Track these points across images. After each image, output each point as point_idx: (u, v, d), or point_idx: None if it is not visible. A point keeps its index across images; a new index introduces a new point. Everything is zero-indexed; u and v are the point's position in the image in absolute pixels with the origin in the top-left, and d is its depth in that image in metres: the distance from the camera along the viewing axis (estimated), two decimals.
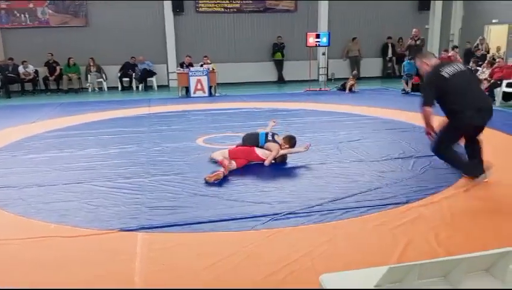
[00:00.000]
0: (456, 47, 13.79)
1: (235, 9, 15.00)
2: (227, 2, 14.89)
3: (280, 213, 3.79)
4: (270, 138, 5.41)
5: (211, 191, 4.41)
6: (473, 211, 3.82)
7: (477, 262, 1.51)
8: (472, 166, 4.40)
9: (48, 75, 13.71)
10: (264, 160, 5.24)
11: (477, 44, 13.69)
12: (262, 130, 5.62)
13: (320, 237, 3.37)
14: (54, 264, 3.00)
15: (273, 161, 5.30)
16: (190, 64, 12.82)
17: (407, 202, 4.01)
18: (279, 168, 5.23)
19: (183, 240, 3.36)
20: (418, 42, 12.06)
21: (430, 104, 4.22)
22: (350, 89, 12.62)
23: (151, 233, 3.46)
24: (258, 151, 5.28)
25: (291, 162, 5.40)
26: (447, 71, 4.17)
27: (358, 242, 3.30)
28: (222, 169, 4.80)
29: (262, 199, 4.15)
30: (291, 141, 5.40)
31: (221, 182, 4.68)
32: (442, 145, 4.36)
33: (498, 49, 14.56)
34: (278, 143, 5.36)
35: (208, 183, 4.61)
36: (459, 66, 4.31)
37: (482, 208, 3.87)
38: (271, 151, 5.28)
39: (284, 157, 5.38)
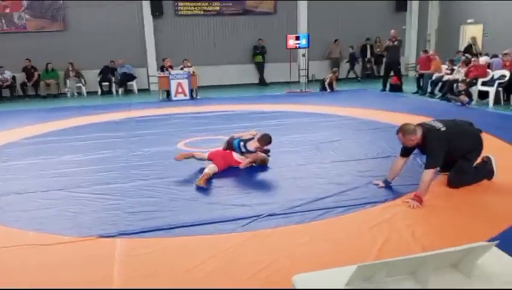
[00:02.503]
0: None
1: (214, 12, 15.01)
2: (206, 4, 14.88)
3: (260, 215, 3.81)
4: (243, 148, 5.28)
5: (191, 195, 4.41)
6: (448, 208, 3.90)
7: (444, 258, 1.56)
8: (484, 171, 4.47)
9: (26, 80, 13.50)
10: (238, 163, 5.26)
11: (470, 44, 13.86)
12: (237, 137, 5.47)
13: (300, 238, 3.41)
14: (30, 272, 2.97)
15: (254, 164, 5.31)
16: (170, 67, 12.77)
17: (385, 201, 4.09)
18: (260, 170, 5.26)
19: (163, 244, 3.35)
20: (395, 43, 12.23)
21: (439, 166, 4.10)
22: (330, 85, 12.76)
23: (130, 239, 3.44)
24: (235, 155, 5.29)
25: (271, 164, 5.43)
26: (440, 127, 4.15)
27: (338, 242, 3.34)
28: (207, 171, 4.83)
29: (242, 202, 4.17)
30: (266, 141, 5.31)
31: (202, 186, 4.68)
32: (463, 182, 4.36)
33: (474, 40, 14.58)
34: (252, 152, 5.30)
35: (198, 187, 4.58)
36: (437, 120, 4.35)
37: (458, 205, 3.96)
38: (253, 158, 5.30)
39: (264, 161, 5.40)
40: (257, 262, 3.03)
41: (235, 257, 3.14)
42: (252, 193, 4.46)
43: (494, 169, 4.46)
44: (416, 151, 4.43)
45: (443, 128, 4.13)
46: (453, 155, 4.20)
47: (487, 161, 4.48)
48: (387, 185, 4.44)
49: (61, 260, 3.14)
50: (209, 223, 3.71)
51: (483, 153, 4.49)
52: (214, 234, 3.51)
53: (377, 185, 4.49)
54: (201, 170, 4.98)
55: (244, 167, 5.23)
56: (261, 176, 5.09)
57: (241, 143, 5.31)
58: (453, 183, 4.31)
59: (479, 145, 4.37)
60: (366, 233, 3.43)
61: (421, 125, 4.20)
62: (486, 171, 4.46)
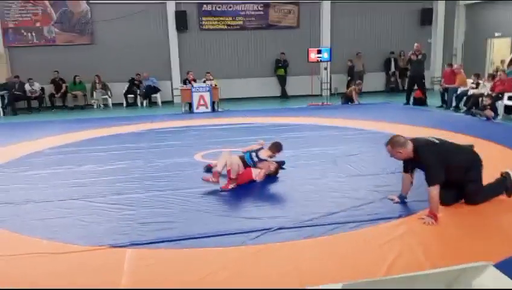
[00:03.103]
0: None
1: (238, 27, 15.18)
2: (230, 19, 15.07)
3: (270, 228, 3.79)
4: (255, 158, 5.34)
5: (204, 207, 4.42)
6: (463, 226, 3.79)
7: (437, 278, 1.50)
8: (502, 186, 4.29)
9: (54, 92, 13.92)
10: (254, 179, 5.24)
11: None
12: (247, 151, 5.51)
13: (309, 252, 3.37)
14: (37, 281, 3.02)
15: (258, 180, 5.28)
16: (193, 80, 12.96)
17: (399, 217, 4.00)
18: (273, 183, 5.23)
19: (172, 256, 3.37)
20: (419, 57, 12.07)
21: (441, 181, 3.89)
22: (351, 98, 12.80)
23: (141, 249, 3.47)
24: (253, 171, 5.26)
25: (285, 176, 5.41)
26: (432, 139, 4.09)
27: (347, 257, 3.28)
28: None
29: (253, 214, 4.16)
30: (278, 148, 5.40)
31: (214, 197, 4.70)
32: (481, 197, 4.21)
33: (502, 62, 14.53)
34: (265, 160, 5.34)
35: (211, 199, 4.65)
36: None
37: (473, 223, 3.83)
38: (267, 168, 5.30)
39: (276, 171, 5.39)
40: (265, 276, 3.01)
41: (244, 269, 3.12)
42: (263, 205, 4.45)
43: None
44: None
45: (436, 142, 4.05)
46: (453, 175, 4.00)
47: (506, 177, 4.28)
48: (403, 201, 4.35)
49: (70, 268, 3.18)
50: (219, 235, 3.70)
51: (504, 169, 4.35)
52: (224, 247, 3.51)
53: (392, 200, 4.41)
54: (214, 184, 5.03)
55: (261, 179, 5.22)
56: (274, 189, 5.06)
57: (253, 154, 5.36)
58: (471, 201, 4.19)
59: (475, 162, 4.18)
60: (377, 249, 3.36)
61: (413, 139, 4.11)
62: (504, 186, 4.27)
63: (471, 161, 4.17)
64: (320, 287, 1.63)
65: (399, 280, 1.50)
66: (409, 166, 4.23)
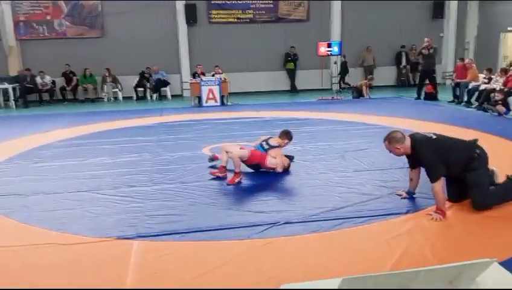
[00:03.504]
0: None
1: (247, 20, 15.12)
2: (240, 12, 15.02)
3: (277, 223, 3.79)
4: (266, 146, 5.41)
5: (211, 200, 4.44)
6: (471, 221, 3.75)
7: (439, 274, 1.49)
8: (508, 190, 4.04)
9: (65, 85, 14.01)
10: (272, 168, 5.26)
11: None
12: (256, 144, 5.60)
13: (315, 247, 3.37)
14: (44, 271, 3.07)
15: (279, 171, 5.29)
16: (202, 74, 12.96)
17: (406, 212, 3.97)
18: (280, 177, 5.22)
19: (178, 248, 3.39)
20: (430, 51, 11.93)
21: (443, 175, 3.86)
22: (361, 91, 12.76)
23: (148, 241, 3.50)
24: (269, 160, 5.27)
25: (292, 171, 5.41)
26: (429, 135, 4.01)
27: (353, 252, 3.28)
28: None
29: (260, 208, 4.16)
30: (288, 135, 5.48)
31: (221, 190, 4.73)
32: (488, 198, 3.95)
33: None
34: (276, 146, 5.38)
35: (218, 192, 4.69)
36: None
37: (481, 219, 3.79)
38: (275, 158, 5.30)
39: (288, 166, 5.41)
40: (270, 269, 3.02)
41: (249, 263, 3.13)
42: (270, 199, 4.45)
43: None
44: None
45: (434, 137, 3.97)
46: (452, 171, 3.92)
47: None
48: (410, 196, 4.32)
49: (77, 259, 3.22)
50: (226, 229, 3.72)
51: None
52: (230, 240, 3.52)
53: (399, 195, 4.38)
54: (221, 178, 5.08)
55: (282, 169, 5.28)
56: (281, 183, 5.06)
57: (263, 143, 5.43)
58: (477, 201, 3.91)
59: (477, 158, 3.93)
60: (384, 244, 3.35)
61: (411, 135, 4.06)
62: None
63: (470, 157, 3.94)
64: (319, 282, 1.62)
65: (401, 275, 1.49)
66: (413, 162, 4.18)
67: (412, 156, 4.04)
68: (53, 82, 13.89)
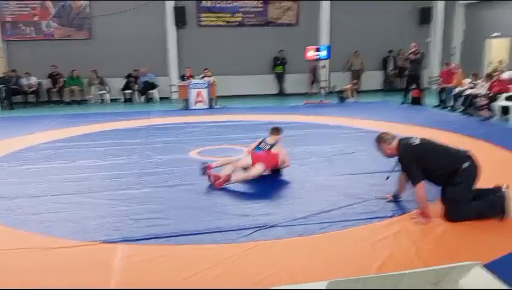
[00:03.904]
0: None
1: (237, 23, 15.13)
2: (229, 15, 15.03)
3: (263, 226, 3.79)
4: (266, 147, 5.34)
5: (198, 203, 4.43)
6: (456, 224, 3.78)
7: (424, 277, 1.51)
8: (493, 206, 3.87)
9: (51, 86, 13.86)
10: (285, 166, 5.39)
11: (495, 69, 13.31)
12: (253, 148, 5.49)
13: (301, 251, 3.37)
14: (28, 275, 3.02)
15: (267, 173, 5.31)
16: (191, 77, 12.93)
17: (392, 216, 4.01)
18: (267, 181, 5.22)
19: (164, 252, 3.37)
20: (417, 56, 12.07)
21: (421, 180, 3.87)
22: (353, 94, 12.93)
23: (133, 245, 3.47)
24: (280, 158, 5.33)
25: (280, 174, 5.41)
26: (414, 140, 4.02)
27: (339, 256, 3.29)
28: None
29: (246, 212, 4.16)
30: (279, 130, 5.51)
31: (208, 194, 4.72)
32: (461, 215, 3.83)
33: (501, 62, 14.54)
34: (276, 144, 5.39)
35: (204, 196, 4.70)
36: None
37: (466, 222, 3.82)
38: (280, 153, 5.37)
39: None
40: (256, 273, 3.02)
41: (235, 267, 3.13)
42: (256, 203, 4.45)
43: (506, 209, 3.81)
44: None
45: (416, 142, 3.99)
46: (433, 176, 3.92)
47: (500, 199, 3.84)
48: (396, 200, 4.36)
49: (61, 264, 3.18)
50: (212, 232, 3.71)
51: (499, 174, 4.26)
52: (216, 244, 3.52)
53: (385, 199, 4.41)
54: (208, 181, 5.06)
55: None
56: (268, 186, 5.06)
57: (261, 145, 5.38)
58: (448, 215, 3.84)
59: (463, 168, 3.84)
60: (369, 248, 3.37)
61: (400, 138, 4.11)
62: (497, 208, 3.84)
63: (455, 169, 3.84)
64: (309, 284, 1.63)
65: (386, 277, 1.50)
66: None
67: (396, 156, 4.08)
68: (39, 83, 13.73)
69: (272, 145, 5.35)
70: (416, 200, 3.92)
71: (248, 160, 5.20)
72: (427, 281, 1.51)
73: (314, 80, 15.27)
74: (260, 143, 5.45)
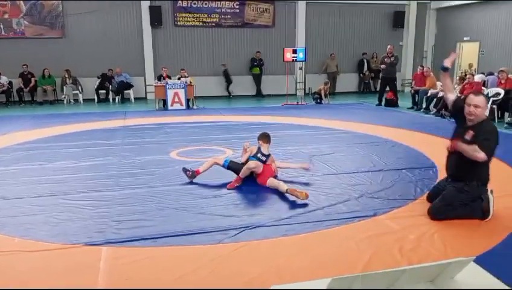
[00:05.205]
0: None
1: (213, 24, 15.09)
2: (205, 16, 14.97)
3: (249, 226, 3.79)
4: (263, 158, 5.24)
5: (181, 205, 4.38)
6: (438, 223, 3.87)
7: (421, 273, 1.54)
8: (476, 208, 3.96)
9: (23, 86, 13.49)
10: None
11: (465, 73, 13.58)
12: (248, 157, 5.31)
13: (288, 250, 3.39)
14: (11, 279, 2.93)
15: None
16: (168, 77, 12.82)
17: (374, 215, 4.07)
18: (250, 182, 5.21)
19: (149, 254, 3.32)
20: (392, 59, 12.33)
21: (488, 156, 3.72)
22: (326, 96, 13.20)
23: (117, 247, 3.41)
24: (274, 170, 5.30)
25: None
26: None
27: (325, 255, 3.32)
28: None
29: (231, 212, 4.15)
30: (269, 137, 5.46)
31: (192, 195, 4.68)
32: (442, 216, 3.92)
33: (470, 66, 15.04)
34: (269, 155, 5.34)
35: (188, 197, 4.64)
36: None
37: (449, 221, 3.92)
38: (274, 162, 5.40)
39: None
40: (244, 273, 3.01)
41: (222, 267, 3.11)
42: (241, 204, 4.45)
43: (491, 209, 3.93)
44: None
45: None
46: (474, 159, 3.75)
47: (483, 198, 3.95)
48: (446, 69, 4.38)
49: (44, 267, 3.10)
50: (197, 233, 3.68)
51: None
52: (202, 244, 3.49)
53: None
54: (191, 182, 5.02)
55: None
56: (251, 187, 5.05)
57: (258, 155, 5.23)
58: (433, 214, 3.95)
59: (480, 191, 3.94)
60: (354, 247, 3.41)
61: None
62: (478, 209, 3.94)
63: (483, 181, 3.95)
64: (308, 283, 1.64)
65: (383, 275, 1.53)
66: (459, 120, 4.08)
67: (472, 127, 3.88)
68: (10, 83, 13.36)
69: (267, 157, 5.28)
70: (471, 150, 3.70)
71: (259, 166, 5.08)
72: (425, 277, 1.54)
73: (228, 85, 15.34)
74: (256, 154, 5.26)
